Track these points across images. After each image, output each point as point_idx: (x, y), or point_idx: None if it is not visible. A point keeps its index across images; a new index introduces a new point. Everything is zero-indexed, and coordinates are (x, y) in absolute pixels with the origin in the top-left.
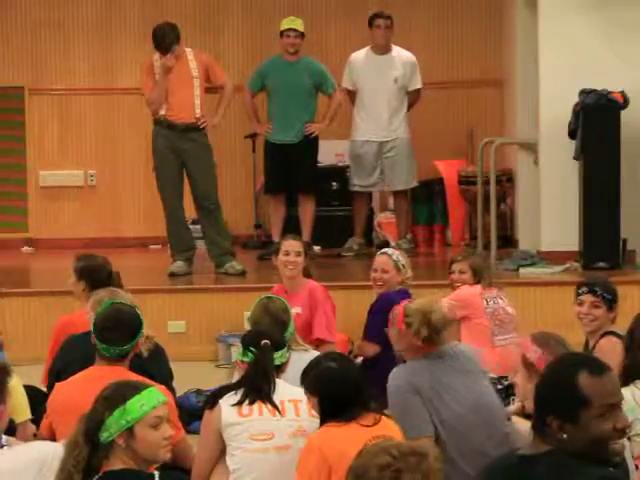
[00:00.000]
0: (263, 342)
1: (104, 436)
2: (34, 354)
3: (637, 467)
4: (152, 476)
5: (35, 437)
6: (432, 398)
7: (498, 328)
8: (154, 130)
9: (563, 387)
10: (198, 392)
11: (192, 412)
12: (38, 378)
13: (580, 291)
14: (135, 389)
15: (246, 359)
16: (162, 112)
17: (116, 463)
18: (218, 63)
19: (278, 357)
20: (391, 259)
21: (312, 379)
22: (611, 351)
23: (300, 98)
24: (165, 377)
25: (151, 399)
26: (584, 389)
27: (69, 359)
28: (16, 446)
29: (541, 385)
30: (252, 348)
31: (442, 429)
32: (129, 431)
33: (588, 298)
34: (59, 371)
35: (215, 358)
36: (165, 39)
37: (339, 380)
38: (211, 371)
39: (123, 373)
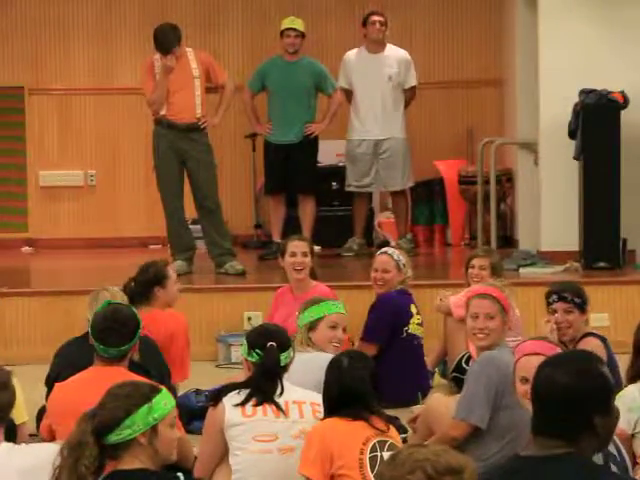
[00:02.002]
0: (269, 344)
1: (124, 434)
2: (34, 354)
3: (637, 463)
4: (177, 478)
5: (32, 437)
6: (505, 393)
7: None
8: (155, 130)
9: (601, 383)
10: (197, 392)
11: (192, 412)
12: (37, 378)
13: (551, 300)
14: (155, 388)
15: (251, 359)
16: (163, 112)
17: (132, 462)
18: (218, 63)
19: (283, 358)
20: (392, 259)
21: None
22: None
23: (300, 98)
24: (163, 374)
25: (170, 399)
26: (609, 379)
27: (65, 364)
28: (32, 444)
29: (572, 387)
30: (258, 350)
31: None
32: (153, 429)
33: (560, 306)
34: (56, 377)
35: (215, 358)
36: (166, 40)
37: (337, 377)
38: (211, 371)
39: (123, 373)
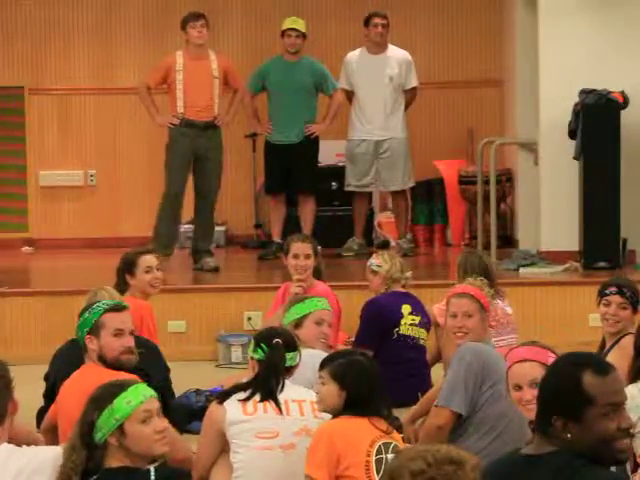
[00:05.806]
0: (275, 340)
1: (97, 437)
2: (34, 354)
3: (637, 464)
4: (148, 472)
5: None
6: (486, 381)
7: (495, 329)
8: (172, 129)
9: (567, 386)
10: (197, 392)
11: (192, 412)
12: (37, 378)
13: (608, 291)
14: (121, 387)
15: (256, 356)
16: (181, 110)
17: (113, 462)
18: (236, 69)
19: (289, 359)
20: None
21: (339, 367)
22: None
23: (301, 98)
24: (161, 372)
25: (137, 395)
26: (588, 388)
27: (64, 365)
28: (34, 447)
29: (545, 384)
30: (263, 345)
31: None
32: (120, 429)
33: (616, 299)
34: (55, 378)
35: (215, 358)
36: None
37: (365, 377)
38: (211, 371)
39: (117, 373)
